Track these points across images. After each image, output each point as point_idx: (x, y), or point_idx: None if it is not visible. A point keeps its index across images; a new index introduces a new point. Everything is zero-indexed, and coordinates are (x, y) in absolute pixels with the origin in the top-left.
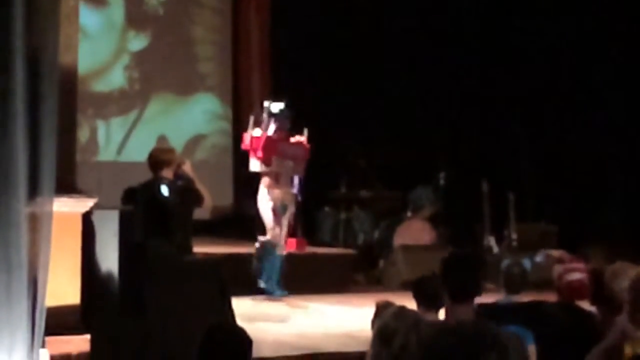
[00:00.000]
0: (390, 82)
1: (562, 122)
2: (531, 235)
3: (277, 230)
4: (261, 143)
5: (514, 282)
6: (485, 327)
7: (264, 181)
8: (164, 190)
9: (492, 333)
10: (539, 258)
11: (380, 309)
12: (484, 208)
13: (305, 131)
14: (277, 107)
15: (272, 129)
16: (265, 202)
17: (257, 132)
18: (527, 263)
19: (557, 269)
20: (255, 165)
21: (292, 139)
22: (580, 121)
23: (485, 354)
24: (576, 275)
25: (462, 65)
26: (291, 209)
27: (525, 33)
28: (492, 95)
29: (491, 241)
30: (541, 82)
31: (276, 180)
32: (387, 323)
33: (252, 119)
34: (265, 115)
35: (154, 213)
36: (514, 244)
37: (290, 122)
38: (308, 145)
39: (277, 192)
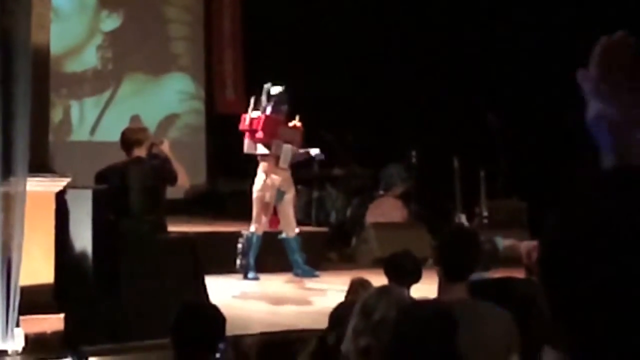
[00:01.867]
0: (362, 61)
1: (533, 98)
2: (502, 212)
3: (264, 221)
4: (261, 123)
5: (484, 259)
6: (475, 306)
7: (263, 166)
8: None
9: (479, 311)
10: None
11: (355, 286)
12: (455, 185)
13: (297, 118)
14: (276, 90)
15: (269, 111)
16: (258, 192)
17: (255, 113)
18: (499, 241)
19: (524, 246)
20: (251, 147)
21: (289, 124)
22: (552, 97)
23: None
24: None
25: (431, 41)
26: (290, 193)
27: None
28: (462, 72)
29: (462, 218)
30: (511, 57)
31: (275, 163)
32: (370, 297)
33: (252, 100)
34: (263, 97)
35: (127, 192)
36: (485, 221)
37: (288, 106)
38: (301, 128)
39: (274, 177)
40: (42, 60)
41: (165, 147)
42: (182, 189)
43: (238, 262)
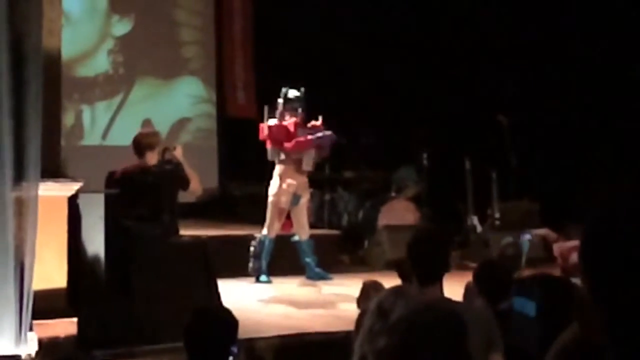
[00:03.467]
0: (373, 63)
1: (545, 100)
2: (514, 214)
3: (277, 226)
4: (276, 132)
5: (507, 263)
6: (449, 306)
7: (280, 169)
8: None
9: (453, 313)
10: (527, 237)
11: (367, 288)
12: (467, 187)
13: (320, 118)
14: (293, 93)
15: (287, 117)
16: (273, 196)
17: (272, 121)
18: (525, 244)
19: (558, 247)
20: (274, 154)
21: (309, 125)
22: (563, 99)
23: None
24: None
25: (442, 43)
26: (305, 197)
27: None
28: (472, 73)
29: (474, 220)
30: (519, 57)
31: (295, 168)
32: (386, 297)
33: (266, 109)
34: (281, 101)
35: (139, 196)
36: (497, 222)
37: (306, 109)
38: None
39: (290, 182)
40: (53, 65)
41: (179, 153)
42: (195, 193)
43: (250, 265)
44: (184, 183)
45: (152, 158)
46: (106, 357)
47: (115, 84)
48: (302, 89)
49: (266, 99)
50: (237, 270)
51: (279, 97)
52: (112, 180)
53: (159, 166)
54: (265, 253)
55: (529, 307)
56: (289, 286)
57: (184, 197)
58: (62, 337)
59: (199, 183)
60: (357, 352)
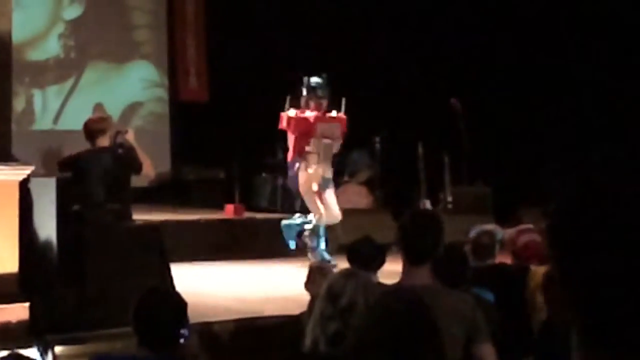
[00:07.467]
0: (325, 48)
1: (497, 83)
2: (466, 198)
3: (321, 208)
4: (292, 125)
5: (482, 252)
6: (436, 291)
7: (305, 158)
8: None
9: (441, 296)
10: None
11: (313, 271)
12: (420, 171)
13: (343, 101)
14: (315, 81)
15: (309, 108)
16: (304, 184)
17: (292, 112)
18: (498, 232)
19: (508, 233)
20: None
21: (330, 114)
22: (515, 83)
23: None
24: (530, 237)
25: (394, 27)
26: (331, 182)
27: None
28: (428, 57)
29: (427, 204)
30: (479, 44)
31: (317, 159)
32: (336, 281)
33: (287, 100)
34: (304, 89)
35: (91, 181)
36: (450, 206)
37: (329, 97)
38: (344, 117)
39: (316, 167)
40: (3, 48)
41: (130, 137)
42: (147, 177)
43: (309, 255)
44: (137, 167)
45: (103, 142)
46: (59, 342)
47: (66, 68)
48: (324, 76)
49: (218, 84)
50: (191, 254)
51: (302, 85)
52: (64, 164)
53: (111, 150)
54: (320, 239)
55: (488, 297)
56: (243, 270)
57: (136, 181)
58: (14, 322)
59: (151, 167)
60: (308, 336)
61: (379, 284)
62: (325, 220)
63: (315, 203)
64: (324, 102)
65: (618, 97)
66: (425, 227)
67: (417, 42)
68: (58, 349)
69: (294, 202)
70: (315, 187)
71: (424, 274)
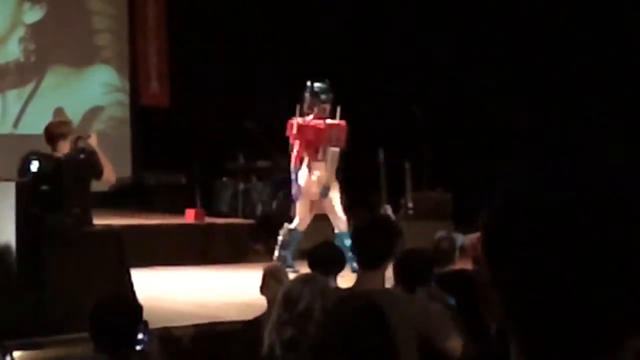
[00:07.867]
0: (287, 51)
1: (460, 89)
2: (427, 203)
3: (308, 218)
4: (294, 130)
5: (442, 257)
6: (390, 296)
7: (308, 161)
8: (34, 166)
9: (395, 301)
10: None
11: (267, 275)
12: (381, 177)
13: (338, 109)
14: (318, 86)
15: (312, 113)
16: (306, 192)
17: (299, 119)
18: (459, 238)
19: (469, 238)
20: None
21: (330, 121)
22: (478, 89)
23: (382, 322)
24: None
25: (354, 32)
26: (335, 189)
27: None
28: (389, 64)
29: (388, 210)
30: (435, 49)
31: (324, 167)
32: (293, 287)
33: (298, 108)
34: (307, 95)
35: (51, 186)
36: (411, 212)
37: (332, 102)
38: (345, 124)
39: (317, 173)
40: None
41: (94, 141)
42: (108, 182)
43: (276, 254)
44: (97, 172)
45: (64, 147)
46: (17, 347)
47: (26, 72)
48: (327, 81)
49: (179, 89)
50: (152, 259)
51: (305, 91)
52: (24, 169)
53: (72, 155)
54: (292, 244)
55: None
56: (203, 275)
57: (97, 186)
58: None
59: (112, 172)
60: (266, 341)
61: (337, 289)
62: (339, 228)
63: (304, 209)
64: (327, 107)
65: (577, 107)
66: (378, 232)
67: (377, 47)
68: (16, 354)
69: (254, 207)
70: (312, 195)
71: (379, 279)
